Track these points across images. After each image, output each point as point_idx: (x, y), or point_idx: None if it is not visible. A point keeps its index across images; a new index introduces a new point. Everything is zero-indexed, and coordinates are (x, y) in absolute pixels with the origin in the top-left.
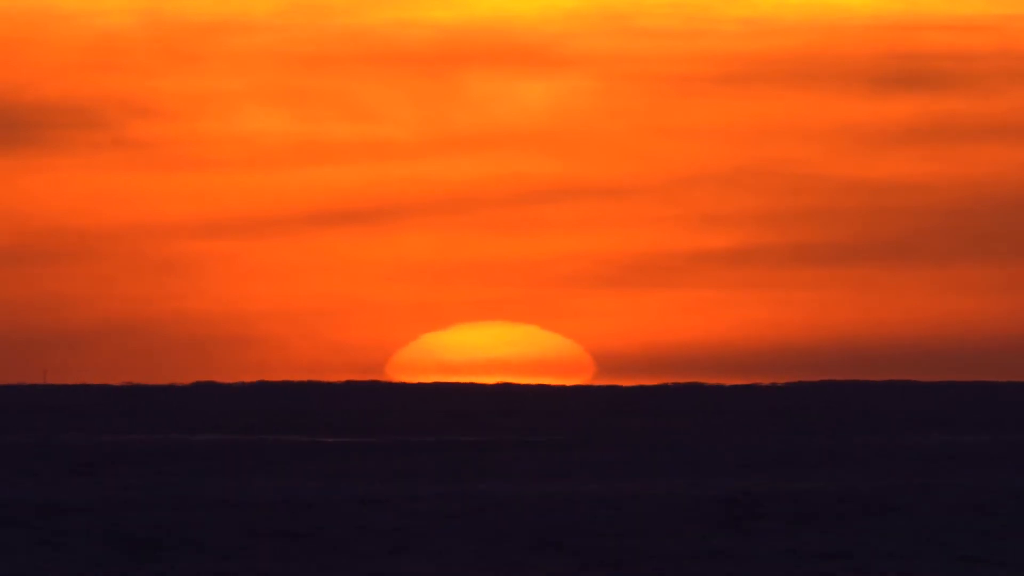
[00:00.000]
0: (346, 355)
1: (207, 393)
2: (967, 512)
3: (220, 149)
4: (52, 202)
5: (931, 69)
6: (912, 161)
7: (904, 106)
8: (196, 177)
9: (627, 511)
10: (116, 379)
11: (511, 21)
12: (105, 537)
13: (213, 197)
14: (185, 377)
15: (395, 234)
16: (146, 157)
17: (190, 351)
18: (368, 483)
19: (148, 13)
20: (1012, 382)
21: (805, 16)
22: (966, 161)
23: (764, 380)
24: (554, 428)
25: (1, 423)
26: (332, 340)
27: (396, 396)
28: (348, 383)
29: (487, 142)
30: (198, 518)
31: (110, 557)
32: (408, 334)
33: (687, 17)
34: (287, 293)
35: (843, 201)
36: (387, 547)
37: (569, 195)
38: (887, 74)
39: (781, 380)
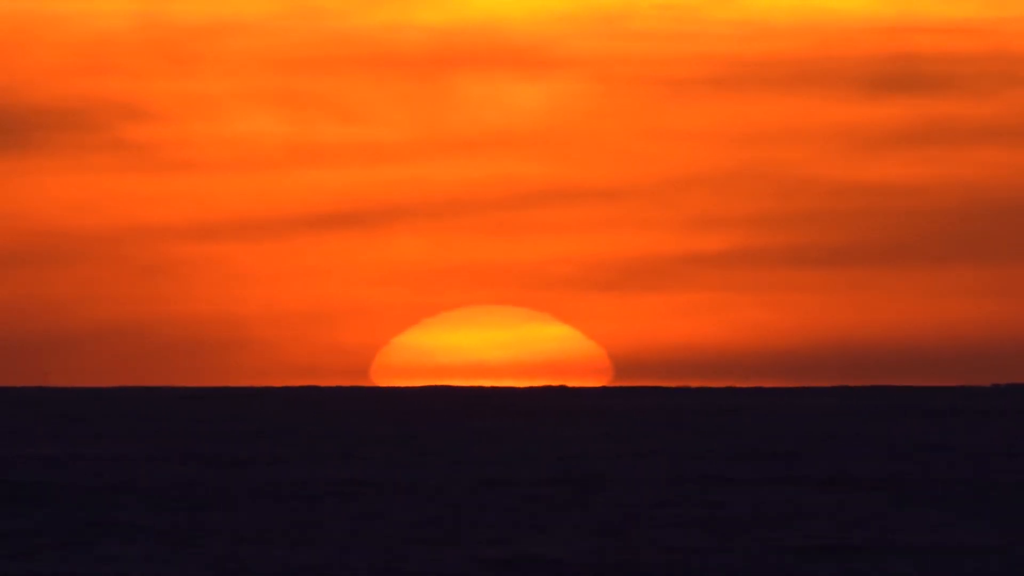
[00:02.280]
0: (337, 358)
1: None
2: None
3: (212, 151)
4: (44, 204)
5: (924, 72)
6: (906, 164)
7: (897, 109)
8: (188, 179)
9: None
10: (107, 382)
11: (503, 24)
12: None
13: (206, 199)
14: (177, 380)
15: (388, 237)
16: (139, 159)
17: (182, 354)
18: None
19: (141, 15)
20: (1007, 384)
21: (798, 18)
22: (960, 164)
23: (757, 383)
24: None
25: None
26: (324, 343)
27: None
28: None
29: (479, 145)
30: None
31: None
32: (400, 337)
33: (679, 19)
34: (280, 296)
35: (837, 204)
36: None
37: (561, 198)
38: (880, 77)
39: (774, 383)
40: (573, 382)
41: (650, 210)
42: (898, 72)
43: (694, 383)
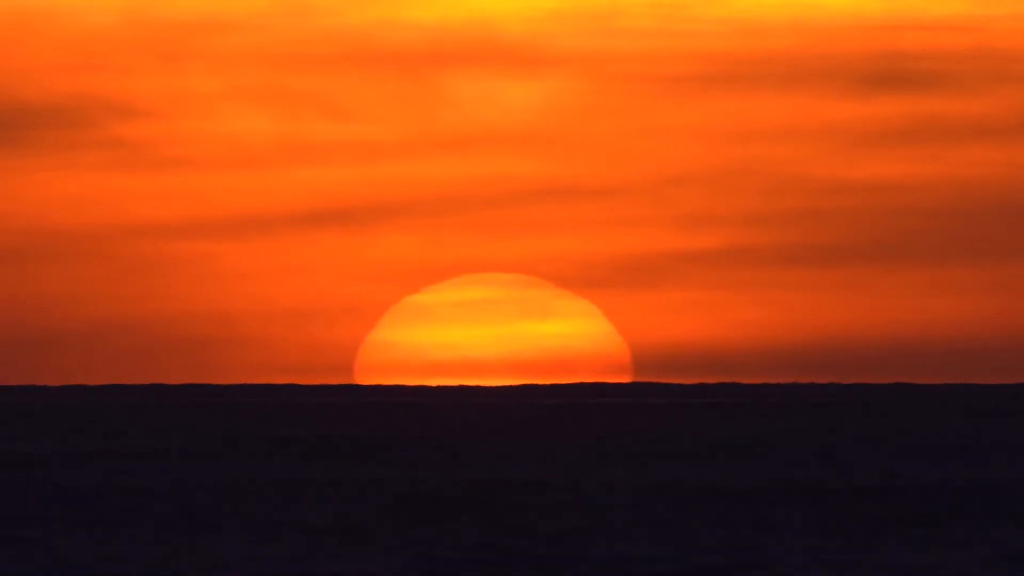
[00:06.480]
0: (328, 356)
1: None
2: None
3: (204, 149)
4: (35, 202)
5: (914, 69)
6: (897, 161)
7: (888, 106)
8: (179, 177)
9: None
10: (97, 380)
11: (494, 21)
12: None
13: (197, 197)
14: (168, 378)
15: (379, 235)
16: (128, 157)
17: (173, 352)
18: None
19: (131, 12)
20: (1000, 384)
21: (788, 16)
22: (951, 162)
23: (751, 380)
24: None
25: None
26: (315, 341)
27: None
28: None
29: (470, 143)
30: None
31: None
32: (392, 335)
33: (669, 17)
34: (270, 294)
35: (828, 202)
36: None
37: (553, 196)
38: (870, 74)
39: (768, 380)
40: (571, 379)
41: (642, 208)
42: (888, 70)
43: (687, 381)
